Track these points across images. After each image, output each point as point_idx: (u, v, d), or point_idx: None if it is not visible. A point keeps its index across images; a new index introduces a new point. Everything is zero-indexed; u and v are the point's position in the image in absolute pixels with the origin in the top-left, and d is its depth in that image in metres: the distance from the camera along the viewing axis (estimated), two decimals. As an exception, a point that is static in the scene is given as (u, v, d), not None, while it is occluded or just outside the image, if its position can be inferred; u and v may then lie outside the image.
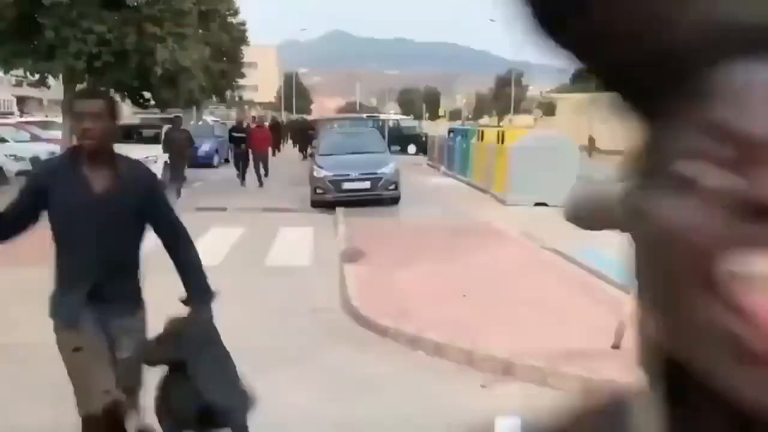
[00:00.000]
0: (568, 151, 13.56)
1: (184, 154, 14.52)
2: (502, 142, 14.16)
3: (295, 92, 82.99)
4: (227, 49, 27.61)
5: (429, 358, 4.78)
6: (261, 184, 16.32)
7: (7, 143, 18.12)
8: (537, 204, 12.81)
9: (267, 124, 23.44)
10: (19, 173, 17.14)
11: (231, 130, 18.31)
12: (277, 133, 26.41)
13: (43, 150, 18.65)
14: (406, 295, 6.19)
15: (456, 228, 9.96)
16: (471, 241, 8.99)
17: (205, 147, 20.74)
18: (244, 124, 18.49)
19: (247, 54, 34.49)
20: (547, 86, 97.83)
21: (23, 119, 28.56)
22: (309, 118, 48.44)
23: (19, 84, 31.07)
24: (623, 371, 4.08)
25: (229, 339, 5.23)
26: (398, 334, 5.09)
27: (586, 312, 5.64)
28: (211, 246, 8.91)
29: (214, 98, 33.15)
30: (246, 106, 55.58)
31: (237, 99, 37.63)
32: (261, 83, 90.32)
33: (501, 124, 69.43)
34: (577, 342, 4.76)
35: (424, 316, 5.49)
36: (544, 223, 10.72)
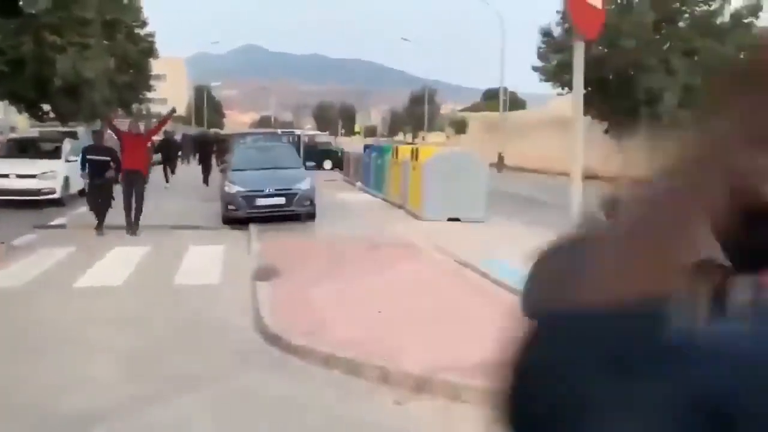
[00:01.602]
0: (478, 168, 13.97)
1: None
2: (416, 159, 14.38)
3: (206, 106, 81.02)
4: (134, 60, 26.61)
5: (344, 376, 4.71)
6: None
7: None
8: (450, 219, 13.08)
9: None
10: None
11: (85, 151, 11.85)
12: (170, 150, 20.88)
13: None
14: (321, 313, 6.11)
15: (372, 244, 9.97)
16: (386, 256, 9.03)
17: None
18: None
19: (156, 66, 33.38)
20: (459, 105, 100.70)
21: None
22: (221, 132, 47.34)
23: None
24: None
25: (133, 363, 4.99)
26: (312, 353, 5.00)
27: (498, 324, 5.76)
28: (112, 267, 8.50)
29: (120, 111, 31.78)
30: (154, 120, 53.63)
31: (144, 112, 36.22)
32: (170, 96, 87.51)
33: (415, 141, 70.67)
34: (489, 355, 4.84)
35: (339, 334, 5.42)
36: (457, 237, 10.98)
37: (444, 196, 13.25)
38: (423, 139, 64.27)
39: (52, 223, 11.83)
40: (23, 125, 31.42)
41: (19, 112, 18.09)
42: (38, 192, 14.38)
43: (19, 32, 13.23)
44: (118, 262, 8.75)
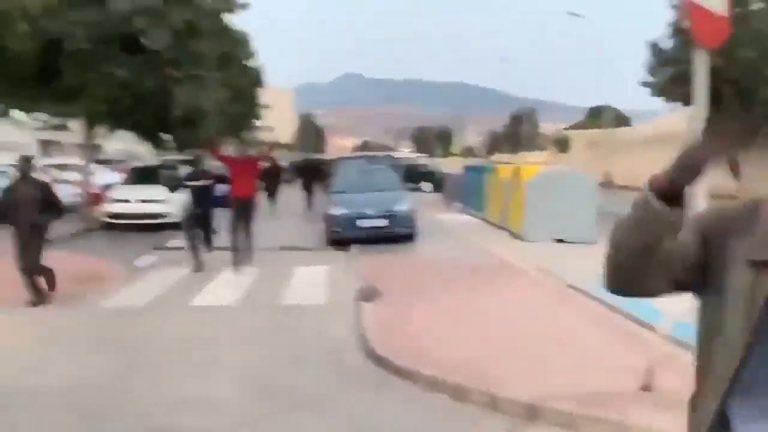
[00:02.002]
0: (585, 186, 13.46)
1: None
2: (518, 178, 14.08)
3: (310, 133, 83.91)
4: (245, 91, 28.07)
5: (451, 401, 4.62)
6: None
7: (27, 186, 18.33)
8: (555, 240, 12.67)
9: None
10: (39, 215, 17.35)
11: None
12: (274, 177, 20.60)
13: (63, 192, 18.92)
14: (425, 334, 6.06)
15: (473, 265, 9.83)
16: (489, 278, 8.86)
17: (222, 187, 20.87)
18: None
19: (264, 96, 35.06)
20: (560, 123, 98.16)
21: (45, 162, 29.05)
22: (324, 157, 48.77)
23: (43, 128, 31.73)
24: (656, 414, 3.91)
25: (244, 380, 5.16)
26: (418, 377, 4.94)
27: (611, 351, 5.47)
28: (225, 287, 8.88)
29: (231, 139, 33.59)
30: (264, 147, 56.16)
31: (254, 140, 38.11)
32: (277, 124, 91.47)
33: (514, 160, 69.43)
34: (604, 383, 4.59)
35: (444, 356, 5.34)
36: (563, 259, 10.58)
37: (548, 216, 12.85)
38: (524, 158, 63.07)
39: (171, 245, 12.55)
40: (146, 154, 33.89)
41: (142, 142, 19.48)
42: (158, 216, 15.36)
43: (143, 68, 14.31)
44: (230, 282, 9.13)
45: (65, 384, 5.02)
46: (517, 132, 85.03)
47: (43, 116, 16.27)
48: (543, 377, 4.79)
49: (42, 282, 7.70)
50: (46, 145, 55.15)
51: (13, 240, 7.57)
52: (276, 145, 12.89)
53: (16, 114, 16.40)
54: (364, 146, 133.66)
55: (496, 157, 79.41)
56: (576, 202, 12.97)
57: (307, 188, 21.01)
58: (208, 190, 10.76)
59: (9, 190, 7.75)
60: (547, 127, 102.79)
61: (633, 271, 1.26)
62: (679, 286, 1.28)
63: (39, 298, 7.48)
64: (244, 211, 10.19)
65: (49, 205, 7.66)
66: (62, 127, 16.34)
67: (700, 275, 1.24)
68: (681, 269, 1.24)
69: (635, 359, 4.79)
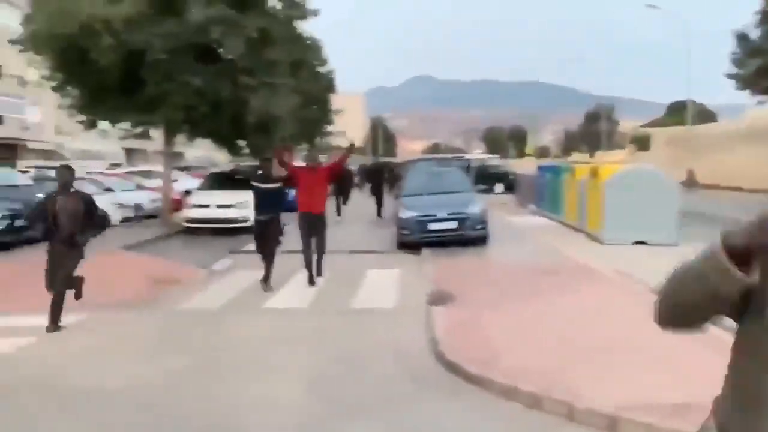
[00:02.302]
0: (666, 186, 12.82)
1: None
2: (596, 178, 13.57)
3: (381, 136, 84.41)
4: (317, 97, 28.54)
5: (525, 411, 4.43)
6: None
7: (113, 192, 19.33)
8: (636, 242, 12.12)
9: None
10: (124, 220, 18.21)
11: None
12: (344, 181, 19.93)
13: (146, 198, 19.81)
14: (498, 340, 5.87)
15: (549, 268, 9.52)
16: (566, 282, 8.54)
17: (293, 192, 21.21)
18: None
19: (336, 101, 35.54)
20: (639, 120, 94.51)
21: (129, 170, 30.56)
22: (394, 160, 48.93)
23: (126, 137, 33.38)
24: None
25: (312, 383, 5.15)
26: (490, 383, 4.78)
27: (697, 361, 5.11)
28: (297, 290, 8.96)
29: (304, 144, 34.23)
30: (335, 151, 57.04)
31: (325, 144, 38.72)
32: (348, 129, 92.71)
33: (591, 159, 67.31)
34: (689, 395, 4.28)
35: (518, 363, 5.15)
36: (644, 262, 10.08)
37: (628, 218, 12.32)
38: (602, 157, 60.99)
39: (246, 249, 12.85)
40: (222, 160, 35.00)
41: (219, 148, 20.08)
42: (234, 220, 15.78)
43: (218, 76, 14.74)
44: (302, 284, 9.21)
45: (138, 385, 5.17)
46: (594, 130, 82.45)
47: (126, 125, 17.01)
48: (624, 387, 4.53)
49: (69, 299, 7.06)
50: (130, 154, 58.20)
51: (48, 254, 6.94)
52: (352, 152, 11.87)
53: (102, 124, 17.23)
54: (435, 148, 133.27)
55: (573, 156, 77.34)
56: (657, 203, 12.37)
57: (376, 192, 20.59)
58: (277, 195, 9.23)
59: (46, 202, 6.96)
60: (625, 124, 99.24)
61: (688, 317, 1.31)
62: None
63: (55, 326, 6.74)
64: (313, 230, 9.16)
65: (91, 219, 7.01)
66: (145, 136, 17.02)
67: (746, 302, 1.24)
68: (731, 303, 1.25)
69: (723, 369, 4.44)
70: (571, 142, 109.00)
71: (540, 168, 21.00)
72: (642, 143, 60.00)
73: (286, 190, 9.88)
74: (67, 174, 7.05)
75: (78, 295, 7.22)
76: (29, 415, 4.61)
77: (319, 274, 9.33)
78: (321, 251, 9.38)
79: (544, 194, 19.11)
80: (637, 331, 6.09)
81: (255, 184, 9.28)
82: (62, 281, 6.89)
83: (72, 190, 6.99)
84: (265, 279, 8.97)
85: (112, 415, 4.56)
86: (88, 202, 7.06)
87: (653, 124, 70.44)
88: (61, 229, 6.79)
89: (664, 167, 18.02)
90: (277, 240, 9.23)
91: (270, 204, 9.13)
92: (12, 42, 15.31)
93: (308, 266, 9.19)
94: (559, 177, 17.40)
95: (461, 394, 4.81)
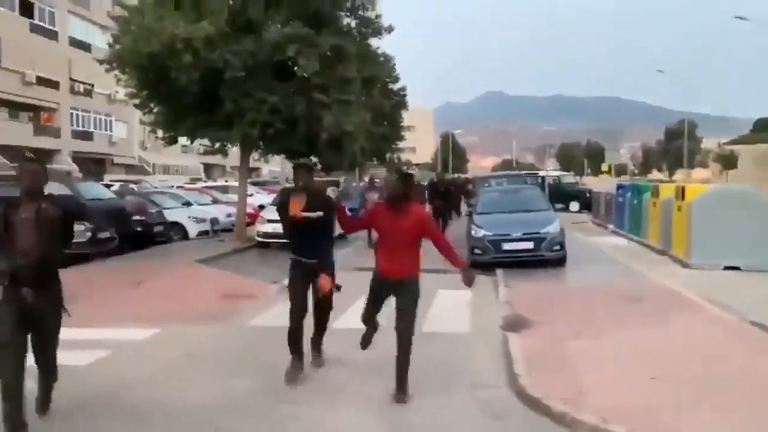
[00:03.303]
0: (760, 207, 11.93)
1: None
2: (682, 198, 12.80)
3: (451, 152, 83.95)
4: (388, 113, 28.60)
5: (616, 455, 4.04)
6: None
7: (191, 206, 19.87)
8: (727, 267, 11.30)
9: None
10: (200, 234, 18.66)
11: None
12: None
13: (222, 212, 20.26)
14: (581, 373, 5.46)
15: (633, 294, 8.95)
16: (653, 310, 7.98)
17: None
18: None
19: (406, 117, 35.57)
20: (723, 137, 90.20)
21: (207, 184, 31.54)
22: (463, 176, 48.44)
23: (205, 153, 34.53)
24: None
25: (382, 409, 4.91)
26: (578, 424, 4.39)
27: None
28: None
29: (374, 160, 34.37)
30: (405, 167, 57.15)
31: (396, 160, 38.77)
32: (419, 145, 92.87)
33: (673, 178, 64.43)
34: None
35: (605, 400, 4.74)
36: (738, 289, 9.34)
37: (718, 240, 11.53)
38: (689, 176, 58.23)
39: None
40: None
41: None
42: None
43: (292, 94, 14.90)
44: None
45: (209, 403, 5.09)
46: (674, 148, 79.11)
47: (205, 141, 17.47)
48: (726, 430, 4.06)
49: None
50: (209, 168, 60.26)
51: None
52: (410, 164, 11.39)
53: (182, 139, 17.77)
54: (505, 164, 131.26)
55: (651, 175, 74.36)
56: (751, 224, 11.53)
57: (438, 212, 17.57)
58: (324, 228, 5.71)
59: None
60: (708, 142, 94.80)
61: None
62: None
63: None
64: (395, 299, 5.36)
65: (65, 239, 4.59)
66: (223, 152, 17.41)
67: None
68: None
69: None
70: (649, 159, 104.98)
71: (620, 186, 20.13)
72: (727, 162, 57.03)
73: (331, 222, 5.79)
74: (35, 172, 4.38)
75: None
76: (94, 429, 4.60)
77: (402, 389, 5.12)
78: (405, 341, 5.24)
79: (623, 214, 18.30)
80: (740, 368, 5.54)
81: (285, 211, 5.68)
82: (45, 367, 4.54)
83: (43, 195, 4.41)
84: (317, 349, 6.13)
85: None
86: (69, 214, 4.54)
87: (737, 141, 66.83)
88: (25, 255, 4.19)
89: (754, 187, 16.90)
90: (329, 302, 5.99)
91: (312, 241, 5.61)
92: (100, 61, 16.02)
93: (365, 343, 5.82)
94: (640, 196, 16.61)
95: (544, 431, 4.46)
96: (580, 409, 4.55)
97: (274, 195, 20.42)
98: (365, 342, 5.93)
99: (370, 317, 5.85)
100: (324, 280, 5.63)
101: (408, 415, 4.88)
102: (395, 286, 5.40)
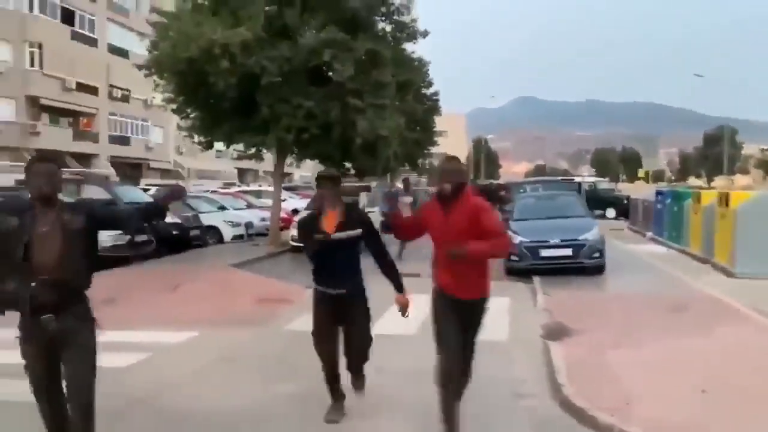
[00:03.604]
0: (811, 215, 11.52)
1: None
2: (726, 205, 12.44)
3: (483, 157, 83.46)
4: (421, 118, 28.50)
5: (667, 470, 3.89)
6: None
7: (226, 210, 20.07)
8: (775, 277, 10.93)
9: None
10: (235, 238, 18.83)
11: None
12: None
13: (256, 217, 20.43)
14: (625, 384, 5.30)
15: (675, 302, 8.69)
16: (698, 320, 7.73)
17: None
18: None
19: (438, 122, 35.41)
20: (764, 143, 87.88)
21: (241, 188, 31.87)
22: (495, 181, 48.05)
23: (239, 158, 34.90)
24: None
25: (422, 418, 4.82)
26: (625, 436, 4.25)
27: None
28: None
29: (407, 165, 34.27)
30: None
31: (428, 166, 38.59)
32: (450, 150, 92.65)
33: (712, 185, 63.00)
34: None
35: (652, 412, 4.59)
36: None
37: (765, 249, 11.18)
38: (722, 182, 56.88)
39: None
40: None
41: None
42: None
43: (327, 98, 14.93)
44: (410, 308, 8.92)
45: (249, 407, 5.08)
46: (714, 154, 77.29)
47: (240, 146, 17.63)
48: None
49: None
50: (242, 173, 60.89)
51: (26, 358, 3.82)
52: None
53: (218, 144, 17.97)
54: (538, 170, 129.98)
55: (689, 181, 72.82)
56: (800, 233, 11.13)
57: None
58: (354, 250, 4.74)
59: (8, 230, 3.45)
60: (749, 148, 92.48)
61: None
62: None
63: None
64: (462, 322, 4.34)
65: (93, 250, 3.78)
66: (257, 157, 17.55)
67: None
68: None
69: None
70: (687, 166, 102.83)
71: (659, 193, 19.71)
72: (770, 167, 55.44)
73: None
74: (50, 174, 3.50)
75: None
76: (134, 432, 4.61)
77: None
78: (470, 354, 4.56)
79: (663, 221, 17.91)
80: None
81: (310, 231, 4.62)
82: (79, 416, 3.47)
83: (61, 202, 3.56)
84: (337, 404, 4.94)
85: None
86: (96, 221, 3.60)
87: (783, 146, 65.04)
88: (45, 277, 3.35)
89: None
90: (368, 337, 4.84)
91: (343, 266, 4.64)
92: (138, 67, 16.31)
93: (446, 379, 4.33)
94: (681, 202, 16.22)
95: (589, 444, 4.33)
96: (628, 420, 4.40)
97: (308, 200, 20.49)
98: (446, 378, 4.23)
99: (449, 351, 4.27)
100: (403, 298, 4.79)
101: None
102: (465, 306, 4.26)
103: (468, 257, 3.99)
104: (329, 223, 4.56)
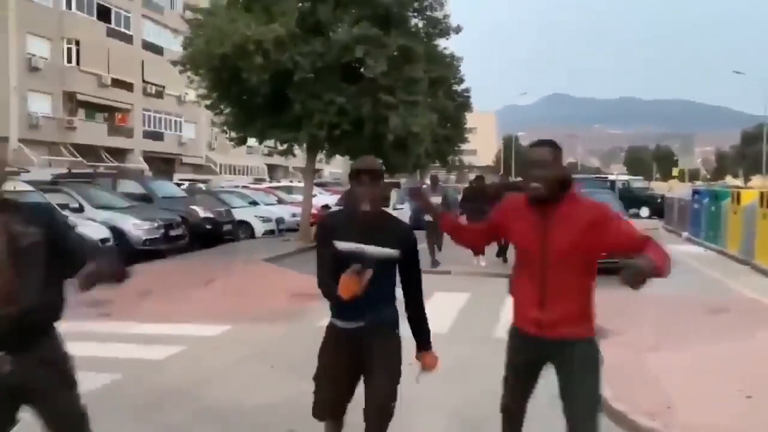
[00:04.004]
0: None
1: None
2: (767, 206, 12.12)
3: (513, 155, 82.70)
4: (451, 115, 28.32)
5: (712, 477, 3.78)
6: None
7: (258, 206, 20.24)
8: (819, 280, 10.62)
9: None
10: (266, 233, 18.96)
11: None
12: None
13: (287, 212, 20.56)
14: (665, 387, 5.17)
15: (716, 305, 8.49)
16: (738, 322, 7.54)
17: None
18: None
19: (469, 120, 35.15)
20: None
21: (272, 184, 32.13)
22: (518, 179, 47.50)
23: (270, 154, 35.12)
24: None
25: (458, 420, 4.77)
26: (667, 441, 4.15)
27: None
28: (436, 312, 8.63)
29: (437, 162, 34.12)
30: (465, 170, 56.58)
31: (457, 163, 38.35)
32: (480, 147, 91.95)
33: (748, 184, 61.49)
34: None
35: (694, 417, 4.47)
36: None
37: (808, 251, 10.85)
38: (761, 182, 55.34)
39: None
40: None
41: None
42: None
43: (359, 95, 14.93)
44: (441, 307, 8.87)
45: (282, 403, 5.07)
46: (752, 153, 75.38)
47: (271, 142, 17.75)
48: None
49: None
50: (272, 169, 61.39)
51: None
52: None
53: (250, 140, 18.11)
54: (570, 168, 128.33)
55: (726, 180, 71.15)
56: None
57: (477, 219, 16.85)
58: (390, 272, 3.52)
59: None
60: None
61: None
62: None
63: None
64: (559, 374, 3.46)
65: (71, 263, 2.66)
66: (288, 153, 17.64)
67: None
68: None
69: None
70: (723, 165, 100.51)
71: (696, 192, 19.28)
72: (811, 167, 53.88)
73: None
74: None
75: None
76: (166, 426, 4.63)
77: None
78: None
79: (700, 220, 17.51)
80: None
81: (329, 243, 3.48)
82: None
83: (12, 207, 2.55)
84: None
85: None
86: (59, 228, 2.66)
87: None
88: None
89: None
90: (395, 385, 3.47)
91: (373, 292, 3.22)
92: (173, 63, 16.52)
93: None
94: (719, 202, 15.84)
95: (630, 449, 4.23)
96: (671, 425, 4.29)
97: (338, 197, 20.52)
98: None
99: (514, 403, 3.52)
100: (432, 358, 3.64)
101: (487, 425, 4.73)
102: (555, 351, 3.16)
103: (661, 273, 2.75)
104: (361, 230, 3.34)
